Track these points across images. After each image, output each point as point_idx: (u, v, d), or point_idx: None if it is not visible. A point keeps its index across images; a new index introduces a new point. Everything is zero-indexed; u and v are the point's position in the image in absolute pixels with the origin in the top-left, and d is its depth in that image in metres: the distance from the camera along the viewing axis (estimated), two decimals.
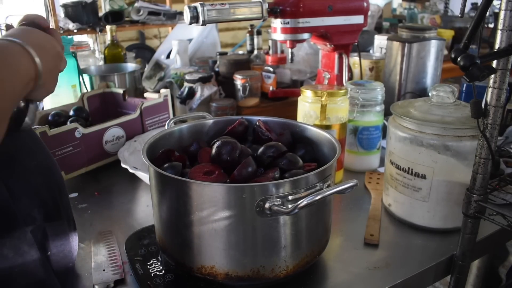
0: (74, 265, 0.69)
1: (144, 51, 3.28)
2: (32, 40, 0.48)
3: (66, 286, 0.64)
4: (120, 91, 1.21)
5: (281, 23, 1.13)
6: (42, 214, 0.59)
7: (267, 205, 0.56)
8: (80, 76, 1.33)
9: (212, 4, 1.02)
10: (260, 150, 0.70)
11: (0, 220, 0.52)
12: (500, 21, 0.57)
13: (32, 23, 0.56)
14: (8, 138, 0.50)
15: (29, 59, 0.46)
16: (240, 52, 1.83)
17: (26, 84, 0.47)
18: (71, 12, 2.44)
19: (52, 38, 0.55)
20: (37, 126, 0.94)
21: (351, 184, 0.57)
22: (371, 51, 1.72)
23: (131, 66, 1.48)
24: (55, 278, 0.59)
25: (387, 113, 0.97)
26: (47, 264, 0.58)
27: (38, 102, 0.56)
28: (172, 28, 2.73)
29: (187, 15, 1.02)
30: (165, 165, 0.67)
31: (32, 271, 0.54)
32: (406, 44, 1.28)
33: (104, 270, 0.69)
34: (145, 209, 0.90)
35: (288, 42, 1.15)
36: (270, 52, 1.51)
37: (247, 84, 1.35)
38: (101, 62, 1.65)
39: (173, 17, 2.64)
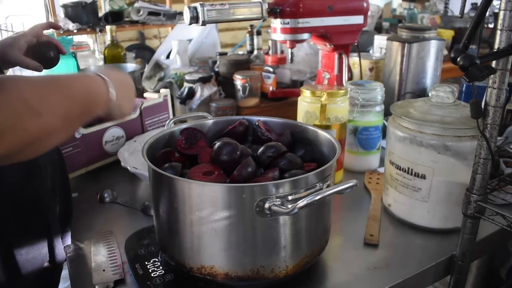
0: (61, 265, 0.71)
1: (144, 51, 3.28)
2: (110, 74, 0.62)
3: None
4: None
5: (281, 23, 1.13)
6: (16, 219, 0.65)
7: (267, 205, 0.56)
8: None
9: (212, 4, 1.02)
10: (260, 150, 0.70)
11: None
12: (500, 21, 0.57)
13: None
14: None
15: (104, 85, 0.60)
16: (240, 52, 1.83)
17: (95, 102, 0.58)
18: (71, 12, 2.44)
19: (129, 78, 0.71)
20: None
21: (351, 184, 0.57)
22: (371, 51, 1.72)
23: (131, 66, 1.48)
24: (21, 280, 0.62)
25: (387, 113, 0.97)
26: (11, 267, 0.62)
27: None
28: (172, 28, 2.73)
29: (187, 15, 1.02)
30: (165, 165, 0.67)
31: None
32: (406, 44, 1.28)
33: (104, 270, 0.69)
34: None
35: (288, 42, 1.15)
36: (270, 52, 1.51)
37: (247, 84, 1.35)
38: (101, 62, 1.65)
39: (173, 17, 2.64)
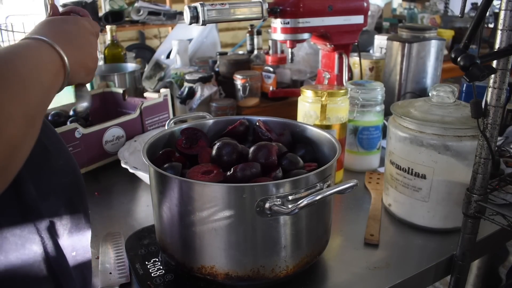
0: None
1: (144, 51, 3.28)
2: (55, 31, 0.50)
3: (87, 279, 0.64)
4: (120, 90, 1.21)
5: (281, 23, 1.13)
6: (68, 213, 0.58)
7: (267, 205, 0.56)
8: None
9: (212, 4, 1.02)
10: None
11: (27, 218, 0.52)
12: (500, 21, 0.57)
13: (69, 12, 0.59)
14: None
15: (52, 51, 0.48)
16: (240, 52, 1.83)
17: (55, 75, 0.48)
18: None
19: (82, 24, 0.57)
20: None
21: (351, 184, 0.57)
22: (371, 51, 1.72)
23: (131, 66, 1.48)
24: (71, 273, 0.58)
25: (387, 113, 0.97)
26: (60, 261, 0.58)
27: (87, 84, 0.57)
28: (172, 28, 2.72)
29: (187, 15, 1.02)
30: (165, 165, 0.67)
31: (38, 266, 0.54)
32: (406, 44, 1.28)
33: (110, 273, 0.69)
34: (145, 209, 0.90)
35: (288, 42, 1.15)
36: (270, 52, 1.51)
37: (247, 84, 1.35)
38: (101, 62, 1.65)
39: (173, 17, 2.64)
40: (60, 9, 0.67)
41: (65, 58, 0.49)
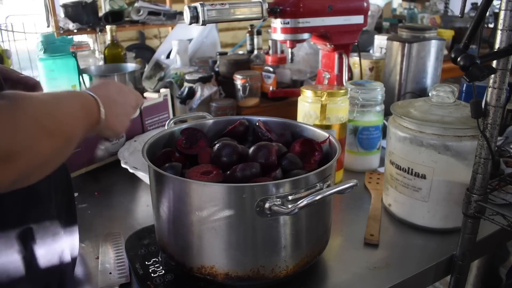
0: (71, 263, 0.70)
1: (144, 51, 3.27)
2: (106, 95, 0.61)
3: (61, 284, 0.65)
4: None
5: (281, 23, 1.13)
6: (56, 198, 0.62)
7: (267, 205, 0.56)
8: (80, 76, 1.33)
9: (212, 4, 1.02)
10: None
11: (4, 224, 0.53)
12: (500, 21, 0.57)
13: None
14: None
15: (95, 104, 0.57)
16: (240, 52, 1.83)
17: (89, 121, 0.56)
18: (71, 12, 2.43)
19: (130, 97, 0.68)
20: None
21: (351, 184, 0.57)
22: (371, 51, 1.72)
23: (131, 66, 1.48)
24: (42, 277, 0.60)
25: (387, 113, 0.97)
26: (31, 263, 0.59)
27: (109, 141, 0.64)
28: (172, 28, 2.72)
29: (187, 15, 1.02)
30: (165, 165, 0.67)
31: (13, 269, 0.56)
32: (406, 44, 1.28)
33: (110, 273, 0.69)
34: (145, 209, 0.90)
35: (288, 42, 1.15)
36: (270, 52, 1.51)
37: (247, 84, 1.35)
38: (101, 62, 1.65)
39: (173, 17, 2.63)
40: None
41: (102, 116, 0.58)
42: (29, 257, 0.58)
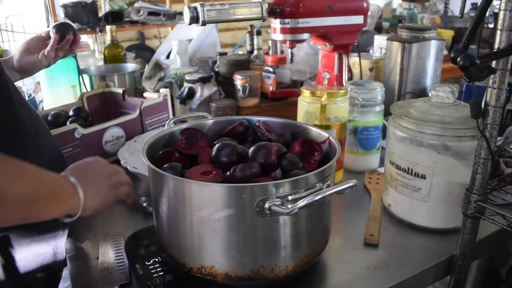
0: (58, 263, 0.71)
1: (144, 51, 3.27)
2: (83, 175, 0.62)
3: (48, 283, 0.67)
4: (120, 90, 1.21)
5: (281, 23, 1.13)
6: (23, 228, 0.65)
7: (267, 205, 0.56)
8: (80, 76, 1.33)
9: (212, 4, 1.02)
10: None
11: None
12: (500, 21, 0.57)
13: None
14: (29, 118, 0.71)
15: (75, 193, 0.59)
16: (240, 52, 1.83)
17: (67, 207, 0.59)
18: (71, 12, 2.43)
19: (110, 173, 0.68)
20: None
21: (350, 184, 0.57)
22: (371, 51, 1.72)
23: (131, 66, 1.48)
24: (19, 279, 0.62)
25: (387, 113, 0.97)
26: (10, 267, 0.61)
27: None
28: (172, 28, 2.72)
29: (187, 15, 1.02)
30: (165, 166, 0.67)
31: None
32: (406, 44, 1.28)
33: (110, 273, 0.69)
34: None
35: (287, 42, 1.15)
36: (270, 52, 1.51)
37: (247, 84, 1.35)
38: (101, 62, 1.65)
39: (173, 17, 2.64)
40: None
41: (81, 200, 0.60)
42: (6, 263, 0.59)
